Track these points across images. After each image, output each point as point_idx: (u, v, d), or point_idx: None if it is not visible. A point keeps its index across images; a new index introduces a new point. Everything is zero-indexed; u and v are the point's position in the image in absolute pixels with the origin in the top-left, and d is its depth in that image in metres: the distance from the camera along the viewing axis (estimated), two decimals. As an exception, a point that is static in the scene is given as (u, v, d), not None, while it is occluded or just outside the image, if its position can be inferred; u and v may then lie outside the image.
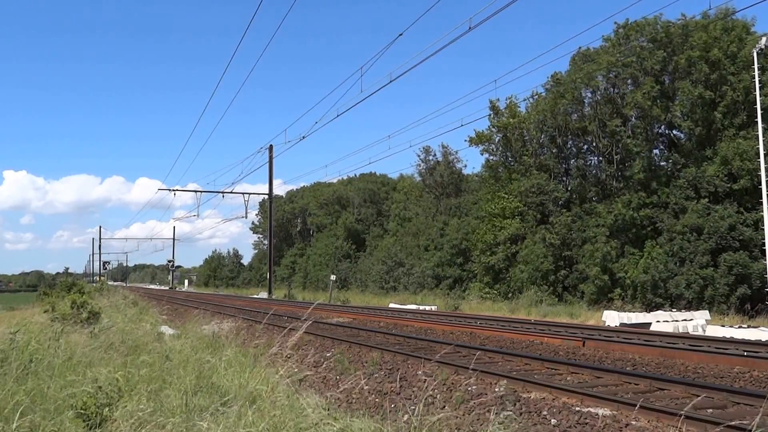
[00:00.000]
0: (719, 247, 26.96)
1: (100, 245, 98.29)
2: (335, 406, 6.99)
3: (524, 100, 39.41)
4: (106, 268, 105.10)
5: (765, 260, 24.16)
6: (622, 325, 19.12)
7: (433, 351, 12.26)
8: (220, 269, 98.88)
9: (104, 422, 5.08)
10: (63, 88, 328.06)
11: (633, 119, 33.44)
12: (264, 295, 52.07)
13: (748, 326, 17.89)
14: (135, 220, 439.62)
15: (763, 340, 14.24)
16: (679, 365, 10.61)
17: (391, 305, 33.73)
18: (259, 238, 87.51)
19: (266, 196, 52.26)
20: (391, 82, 21.54)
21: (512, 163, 39.40)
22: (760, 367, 9.96)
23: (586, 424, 6.68)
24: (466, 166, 65.77)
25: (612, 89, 33.66)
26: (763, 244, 23.30)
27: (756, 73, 24.11)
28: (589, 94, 34.85)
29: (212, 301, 39.61)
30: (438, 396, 8.15)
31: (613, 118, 33.09)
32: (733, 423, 5.97)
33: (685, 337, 14.97)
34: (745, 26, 30.05)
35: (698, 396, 7.64)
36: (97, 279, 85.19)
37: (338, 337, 14.66)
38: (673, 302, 27.40)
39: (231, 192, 48.09)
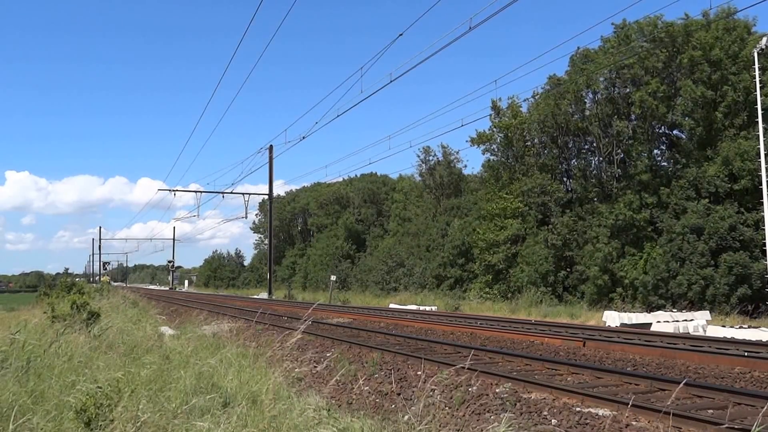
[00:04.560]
0: (720, 247, 26.94)
1: (100, 246, 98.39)
2: (335, 406, 6.98)
3: (525, 100, 39.48)
4: (105, 269, 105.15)
5: (765, 260, 24.15)
6: (623, 325, 19.11)
7: (433, 351, 12.26)
8: (221, 270, 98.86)
9: (104, 423, 5.07)
10: (65, 89, 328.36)
11: (634, 119, 33.45)
12: (264, 295, 52.07)
13: (749, 326, 17.88)
14: (136, 220, 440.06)
15: (764, 340, 14.24)
16: (680, 366, 10.60)
17: (392, 306, 33.73)
18: (259, 238, 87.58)
19: (266, 197, 52.26)
20: (391, 82, 21.50)
21: (513, 164, 39.41)
22: (760, 368, 9.95)
23: (587, 424, 6.67)
24: (466, 166, 65.87)
25: (613, 89, 33.66)
26: (764, 245, 23.29)
27: (756, 73, 24.10)
28: (590, 95, 34.87)
29: (212, 302, 39.60)
30: (438, 396, 8.14)
31: (614, 118, 33.10)
32: (732, 424, 5.97)
33: (686, 337, 14.96)
34: (746, 26, 30.04)
35: (699, 396, 7.64)
36: (100, 279, 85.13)
37: (338, 337, 14.65)
38: (674, 302, 27.38)
39: (231, 192, 48.11)
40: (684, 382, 7.31)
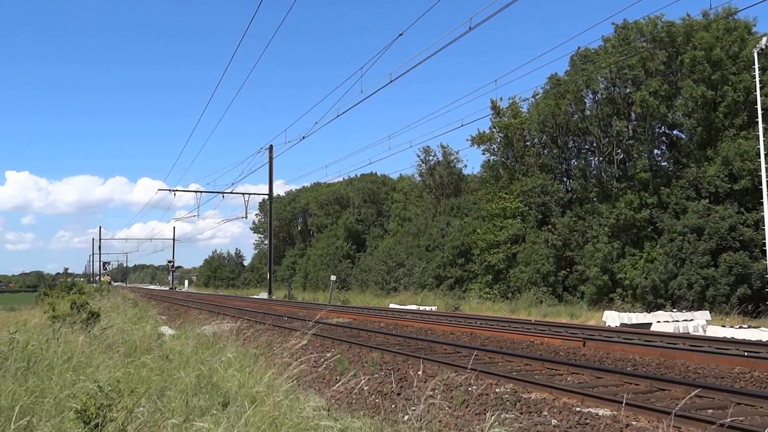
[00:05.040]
0: (720, 247, 26.94)
1: (100, 246, 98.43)
2: (335, 406, 6.98)
3: (525, 100, 39.49)
4: (105, 269, 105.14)
5: (765, 260, 24.15)
6: (623, 325, 19.11)
7: (433, 351, 12.26)
8: (221, 269, 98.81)
9: (104, 423, 5.07)
10: (64, 89, 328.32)
11: (634, 119, 33.45)
12: (264, 295, 52.06)
13: (749, 326, 17.87)
14: (136, 220, 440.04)
15: (764, 340, 14.23)
16: (680, 365, 10.60)
17: (391, 306, 33.72)
18: (259, 238, 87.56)
19: (266, 197, 52.25)
20: (391, 82, 21.52)
21: (513, 164, 39.43)
22: (760, 368, 9.95)
23: (587, 424, 6.67)
24: (466, 166, 65.83)
25: (613, 89, 33.66)
26: (764, 245, 23.29)
27: (756, 73, 24.10)
28: (591, 95, 34.87)
29: (212, 302, 39.61)
30: (438, 396, 8.14)
31: (614, 118, 33.10)
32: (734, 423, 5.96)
33: (686, 337, 14.96)
34: (746, 26, 30.05)
35: (699, 396, 7.63)
36: (100, 279, 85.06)
37: (338, 337, 14.65)
38: (674, 302, 27.38)
39: (231, 192, 48.12)
40: (699, 387, 7.30)
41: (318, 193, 75.09)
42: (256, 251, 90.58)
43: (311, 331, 7.85)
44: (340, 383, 8.12)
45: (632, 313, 20.96)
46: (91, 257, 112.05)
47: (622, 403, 7.09)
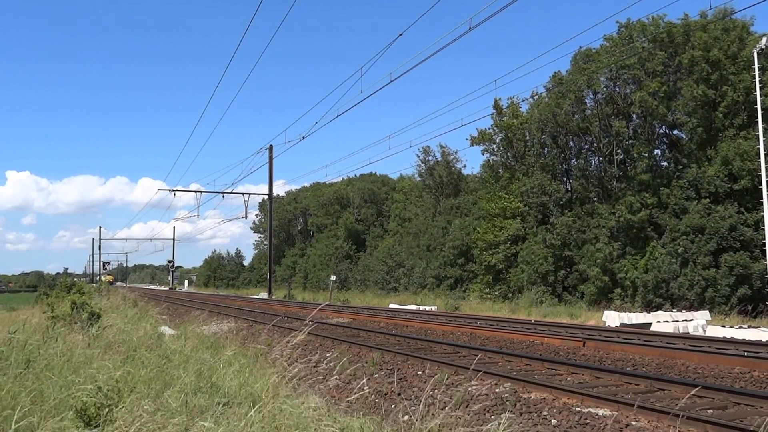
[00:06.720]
0: (720, 247, 26.94)
1: (100, 246, 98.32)
2: (335, 406, 6.98)
3: (524, 100, 39.51)
4: (105, 269, 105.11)
5: (765, 260, 24.15)
6: (623, 325, 19.11)
7: (433, 351, 12.26)
8: (221, 269, 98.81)
9: (104, 423, 5.07)
10: (65, 89, 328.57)
11: (634, 119, 33.44)
12: (264, 295, 52.04)
13: (749, 326, 17.88)
14: (137, 220, 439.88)
15: (764, 340, 14.23)
16: (680, 365, 10.60)
17: (391, 306, 33.71)
18: (260, 238, 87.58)
19: (266, 197, 52.23)
20: (391, 82, 21.53)
21: (513, 164, 39.44)
22: (760, 368, 9.95)
23: (587, 424, 6.67)
24: (465, 166, 65.89)
25: (613, 89, 33.66)
26: (764, 245, 23.29)
27: (756, 73, 24.10)
28: (591, 94, 34.87)
29: (212, 302, 39.60)
30: (438, 396, 8.14)
31: (614, 118, 33.10)
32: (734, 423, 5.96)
33: (686, 337, 14.96)
34: (744, 26, 30.06)
35: (699, 396, 7.63)
36: (103, 278, 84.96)
37: (338, 337, 14.65)
38: (674, 302, 27.38)
39: (231, 192, 48.06)
40: (699, 387, 7.30)
41: (318, 193, 75.07)
42: (256, 251, 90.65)
43: (306, 329, 7.85)
44: (340, 383, 8.13)
45: (632, 313, 20.95)
46: (91, 257, 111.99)
47: (621, 402, 7.10)
